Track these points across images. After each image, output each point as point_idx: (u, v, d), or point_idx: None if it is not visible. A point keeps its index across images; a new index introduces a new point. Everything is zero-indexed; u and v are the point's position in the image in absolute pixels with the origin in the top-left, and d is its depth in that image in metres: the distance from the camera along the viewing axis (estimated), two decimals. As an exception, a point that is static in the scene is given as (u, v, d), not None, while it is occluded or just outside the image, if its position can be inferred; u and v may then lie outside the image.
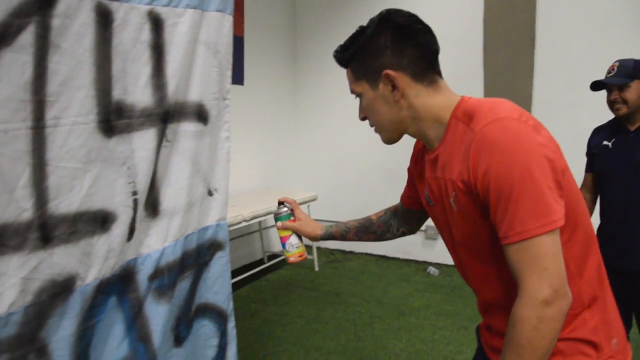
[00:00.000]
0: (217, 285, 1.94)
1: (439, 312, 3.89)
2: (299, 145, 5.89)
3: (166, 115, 1.49)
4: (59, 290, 1.29)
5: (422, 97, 1.15)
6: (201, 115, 1.67)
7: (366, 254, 5.62)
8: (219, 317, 2.00)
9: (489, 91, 4.63)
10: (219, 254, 1.91)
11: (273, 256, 5.31)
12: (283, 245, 1.58)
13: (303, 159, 5.88)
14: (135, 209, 1.44)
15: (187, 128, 1.61)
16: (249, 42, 4.74)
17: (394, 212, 1.61)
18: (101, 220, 1.36)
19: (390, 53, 1.13)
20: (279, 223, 1.58)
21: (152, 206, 1.54)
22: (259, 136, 5.20)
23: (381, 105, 1.19)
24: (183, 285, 1.73)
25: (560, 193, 0.99)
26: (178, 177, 1.63)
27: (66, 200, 1.26)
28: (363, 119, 1.28)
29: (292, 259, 1.58)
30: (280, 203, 1.60)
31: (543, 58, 4.44)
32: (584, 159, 2.68)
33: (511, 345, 0.99)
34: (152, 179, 1.50)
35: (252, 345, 3.28)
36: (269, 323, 3.75)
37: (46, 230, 1.24)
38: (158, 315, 1.59)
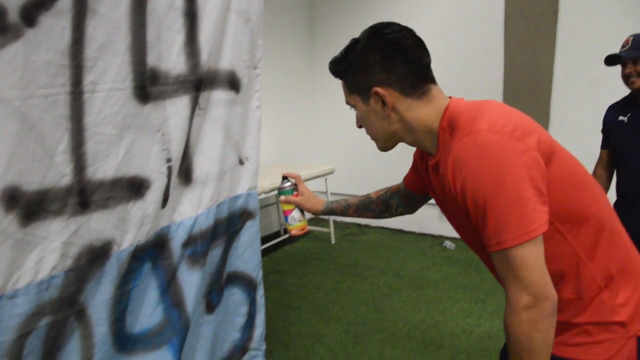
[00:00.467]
0: (247, 254, 1.96)
1: (457, 286, 3.89)
2: (316, 118, 5.87)
3: (199, 82, 1.49)
4: (97, 255, 1.31)
5: (413, 110, 1.17)
6: (233, 83, 1.67)
7: (382, 228, 5.63)
8: (249, 285, 2.02)
9: (509, 67, 4.57)
10: (249, 223, 1.92)
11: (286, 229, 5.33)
12: (286, 218, 1.65)
13: (320, 132, 5.87)
14: (169, 176, 1.45)
15: (219, 96, 1.61)
16: (266, 15, 4.69)
17: (395, 191, 1.64)
18: (136, 187, 1.37)
19: (379, 70, 1.15)
20: (282, 197, 1.64)
21: (185, 174, 1.55)
22: (276, 109, 5.19)
23: (373, 119, 1.23)
24: (215, 253, 1.75)
25: (542, 200, 0.99)
26: (211, 145, 1.63)
27: (103, 166, 1.27)
28: (360, 127, 1.32)
29: (293, 232, 1.65)
30: (284, 178, 1.65)
31: (565, 33, 4.36)
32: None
33: (509, 348, 1.04)
34: (185, 147, 1.50)
35: (272, 315, 3.31)
36: (287, 294, 3.79)
37: (84, 195, 1.25)
38: (191, 282, 1.61)
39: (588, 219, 1.08)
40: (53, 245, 1.20)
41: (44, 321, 1.22)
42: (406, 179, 1.56)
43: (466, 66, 4.79)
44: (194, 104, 1.49)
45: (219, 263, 1.79)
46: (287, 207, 1.63)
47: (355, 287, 3.91)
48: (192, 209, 1.59)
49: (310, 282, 4.04)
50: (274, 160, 5.17)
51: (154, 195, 1.41)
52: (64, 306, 1.27)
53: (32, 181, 1.12)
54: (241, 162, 1.82)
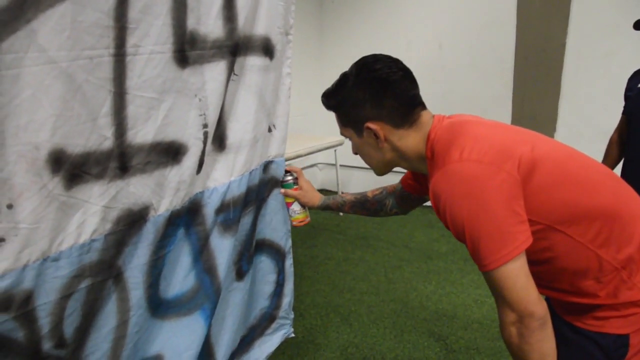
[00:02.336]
0: (275, 222, 1.96)
1: (466, 258, 3.92)
2: (324, 88, 5.83)
3: (235, 47, 1.47)
4: (135, 219, 1.31)
5: (404, 140, 1.24)
6: (268, 49, 1.65)
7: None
8: (277, 253, 2.02)
9: (521, 40, 4.52)
10: (276, 191, 1.92)
11: (298, 200, 5.34)
12: (287, 210, 1.79)
13: (327, 104, 5.84)
14: (205, 142, 1.44)
15: (254, 62, 1.60)
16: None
17: (390, 192, 1.69)
18: (174, 152, 1.36)
19: (369, 106, 1.21)
20: (282, 190, 1.78)
21: (219, 140, 1.54)
22: (285, 79, 5.15)
23: (368, 150, 1.31)
24: (246, 221, 1.75)
25: (518, 220, 1.02)
26: (244, 111, 1.62)
27: (142, 130, 1.27)
28: (355, 153, 1.39)
29: (294, 223, 1.79)
30: (287, 172, 1.77)
31: (579, 5, 4.31)
32: (616, 109, 2.66)
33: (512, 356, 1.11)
34: (219, 113, 1.49)
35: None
36: (299, 264, 3.81)
37: (124, 159, 1.24)
38: (223, 248, 1.61)
39: (591, 215, 1.08)
40: (94, 208, 1.20)
41: (84, 284, 1.23)
42: (405, 181, 1.61)
43: (477, 39, 4.74)
44: (230, 69, 1.48)
45: (249, 230, 1.79)
46: (288, 200, 1.78)
47: (366, 258, 3.93)
48: (225, 176, 1.58)
49: (321, 253, 4.07)
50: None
51: (190, 160, 1.40)
52: (103, 269, 1.27)
53: (77, 144, 1.12)
54: (269, 129, 1.81)
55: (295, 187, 1.75)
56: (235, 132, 1.59)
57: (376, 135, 1.23)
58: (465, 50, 4.83)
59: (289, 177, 1.74)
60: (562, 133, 4.38)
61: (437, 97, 4.95)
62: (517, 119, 4.58)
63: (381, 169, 1.36)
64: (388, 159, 1.29)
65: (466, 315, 3.04)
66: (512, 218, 1.02)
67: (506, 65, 4.56)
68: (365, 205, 1.74)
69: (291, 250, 2.09)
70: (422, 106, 1.26)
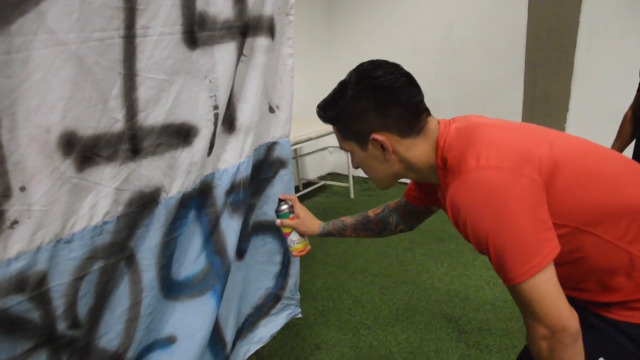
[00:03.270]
0: None
1: (478, 239, 3.92)
2: (334, 72, 5.79)
3: (245, 28, 1.46)
4: (147, 201, 1.32)
5: (413, 149, 1.16)
6: (271, 30, 1.64)
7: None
8: (283, 234, 2.03)
9: (533, 18, 4.46)
10: (282, 172, 1.92)
11: (308, 184, 5.34)
12: (285, 240, 1.65)
13: (337, 87, 5.81)
14: (215, 124, 1.44)
15: (261, 43, 1.58)
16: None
17: (393, 209, 1.60)
18: (184, 134, 1.36)
19: (374, 115, 1.13)
20: (278, 221, 1.62)
21: (229, 121, 1.54)
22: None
23: (373, 163, 1.22)
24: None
25: (544, 227, 0.97)
26: (253, 93, 1.62)
27: (153, 112, 1.26)
28: (357, 167, 1.30)
29: (294, 254, 1.65)
30: (281, 200, 1.63)
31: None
32: (630, 88, 2.63)
33: None
34: (229, 94, 1.49)
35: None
36: (311, 247, 3.82)
37: (135, 141, 1.25)
38: (232, 229, 1.62)
39: (618, 212, 1.03)
40: (106, 190, 1.21)
41: (97, 265, 1.24)
42: (408, 194, 1.52)
43: (488, 19, 4.68)
44: (240, 51, 1.47)
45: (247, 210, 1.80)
46: (285, 230, 1.63)
47: (377, 241, 3.94)
48: (235, 157, 1.58)
49: (332, 235, 4.07)
50: (292, 115, 5.13)
51: (201, 142, 1.40)
52: (116, 251, 1.28)
53: (88, 126, 1.12)
54: (271, 110, 1.80)
55: (291, 216, 1.62)
56: (245, 114, 1.58)
57: (383, 147, 1.15)
58: (475, 30, 4.78)
59: (284, 206, 1.61)
60: (575, 113, 4.33)
61: (448, 79, 4.92)
62: (529, 100, 4.53)
63: (387, 183, 1.27)
64: (395, 171, 1.21)
65: (478, 296, 3.04)
66: (538, 226, 0.96)
67: (518, 46, 4.50)
68: (368, 226, 1.64)
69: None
70: (428, 112, 1.18)
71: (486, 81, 4.72)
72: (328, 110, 1.20)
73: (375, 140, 1.14)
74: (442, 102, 4.91)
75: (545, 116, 4.47)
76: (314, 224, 1.66)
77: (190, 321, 1.57)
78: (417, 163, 1.17)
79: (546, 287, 0.96)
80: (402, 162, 1.19)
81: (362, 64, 1.17)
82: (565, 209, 1.01)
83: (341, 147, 1.27)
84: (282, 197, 1.64)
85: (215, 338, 1.76)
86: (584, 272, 1.09)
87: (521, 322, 2.69)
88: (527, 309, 0.99)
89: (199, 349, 1.59)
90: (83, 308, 1.24)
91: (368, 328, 2.76)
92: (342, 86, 1.17)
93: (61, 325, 1.20)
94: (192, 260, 1.55)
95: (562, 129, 4.38)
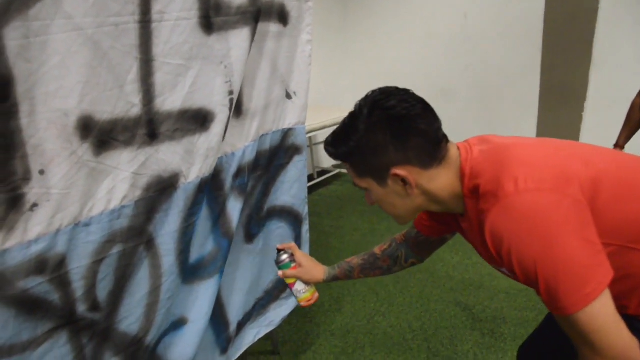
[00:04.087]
0: (294, 189, 1.97)
1: (493, 229, 3.90)
2: (349, 59, 5.77)
3: (258, 14, 1.46)
4: (165, 186, 1.33)
5: (436, 181, 1.07)
6: (282, 16, 1.64)
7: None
8: (295, 220, 2.05)
9: (551, 6, 4.39)
10: (297, 158, 1.93)
11: (323, 172, 5.35)
12: (291, 291, 1.55)
13: (353, 74, 5.78)
14: (230, 109, 1.44)
15: (270, 28, 1.59)
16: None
17: (401, 242, 1.50)
18: (202, 119, 1.37)
19: (393, 149, 1.03)
20: (280, 272, 1.53)
21: (237, 106, 1.55)
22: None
23: (394, 199, 1.12)
24: (253, 184, 1.78)
25: (595, 250, 0.89)
26: (259, 78, 1.63)
27: (171, 97, 1.27)
28: (373, 204, 1.20)
29: (303, 304, 1.55)
30: (280, 250, 1.55)
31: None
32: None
33: None
34: (240, 79, 1.50)
35: (312, 255, 3.38)
36: (326, 235, 3.84)
37: (153, 126, 1.26)
38: (237, 211, 1.65)
39: None
40: (123, 175, 1.22)
41: (116, 249, 1.26)
42: (419, 225, 1.42)
43: (504, 6, 4.63)
44: (253, 36, 1.47)
45: (260, 195, 1.82)
46: (289, 281, 1.54)
47: (392, 230, 3.93)
48: (241, 141, 1.60)
49: (347, 224, 4.08)
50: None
51: (217, 127, 1.41)
52: (134, 235, 1.30)
53: (104, 110, 1.13)
54: (289, 96, 1.81)
55: (293, 265, 1.52)
56: (251, 98, 1.60)
57: (404, 182, 1.06)
58: (491, 18, 4.73)
59: (284, 256, 1.52)
60: (593, 102, 4.28)
61: (462, 67, 4.88)
62: (545, 88, 4.48)
63: (408, 218, 1.18)
64: (417, 204, 1.12)
65: (492, 285, 3.03)
66: (589, 249, 0.88)
67: (534, 33, 4.44)
68: (376, 264, 1.53)
69: (307, 217, 2.11)
70: (447, 138, 1.09)
71: (502, 70, 4.68)
72: (339, 146, 1.10)
73: (396, 175, 1.05)
74: (456, 91, 4.88)
75: (562, 105, 4.42)
76: (319, 271, 1.56)
77: (201, 303, 1.59)
78: (441, 194, 1.09)
79: (605, 316, 0.88)
80: (425, 195, 1.10)
81: (371, 94, 1.07)
82: (609, 228, 0.94)
83: (355, 185, 1.17)
84: (280, 246, 1.55)
85: (218, 318, 1.79)
86: (627, 290, 1.03)
87: (536, 312, 2.68)
88: (584, 340, 0.90)
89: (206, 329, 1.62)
90: (102, 291, 1.26)
91: (382, 315, 2.77)
92: (353, 119, 1.06)
93: (81, 308, 1.22)
94: (201, 243, 1.56)
95: (580, 118, 4.33)
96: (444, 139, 1.07)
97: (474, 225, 1.05)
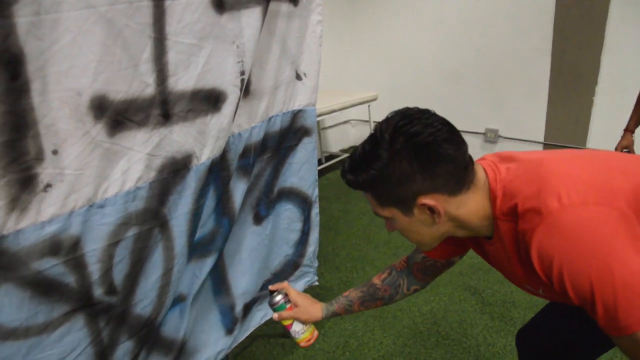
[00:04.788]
0: (303, 171, 1.96)
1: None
2: (358, 43, 5.71)
3: (270, -7, 1.45)
4: (178, 167, 1.32)
5: (465, 206, 1.02)
6: None
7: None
8: (304, 202, 2.04)
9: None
10: (306, 140, 1.92)
11: (330, 157, 5.33)
12: (289, 332, 1.48)
13: (362, 57, 5.72)
14: (241, 89, 1.43)
15: (281, 8, 1.57)
16: None
17: (401, 269, 1.44)
18: (214, 100, 1.35)
19: (420, 178, 0.96)
20: (275, 314, 1.45)
21: (245, 86, 1.53)
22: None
23: (420, 228, 1.06)
24: (264, 166, 1.78)
25: None
26: (268, 58, 1.61)
27: (184, 77, 1.26)
28: (393, 230, 1.14)
29: (302, 344, 1.48)
30: (272, 292, 1.47)
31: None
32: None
33: None
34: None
35: (321, 239, 3.37)
36: (334, 219, 3.83)
37: (166, 107, 1.24)
38: (240, 192, 1.64)
39: None
40: (138, 156, 1.21)
41: (131, 232, 1.25)
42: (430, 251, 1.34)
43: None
44: (265, 16, 1.45)
45: (269, 177, 1.81)
46: (286, 322, 1.46)
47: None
48: (248, 121, 1.59)
49: (355, 208, 4.07)
50: (316, 86, 5.09)
51: (229, 108, 1.40)
52: (149, 218, 1.29)
53: (119, 90, 1.12)
54: (299, 77, 1.79)
55: (288, 306, 1.45)
56: (259, 79, 1.58)
57: (432, 210, 1.00)
58: (502, 2, 4.66)
59: (278, 297, 1.44)
60: (604, 86, 4.23)
61: (473, 50, 4.83)
62: (556, 72, 4.43)
63: (433, 244, 1.13)
64: (444, 231, 1.07)
65: (502, 269, 3.02)
66: None
67: (546, 16, 4.38)
68: (376, 295, 1.45)
69: (317, 200, 2.09)
70: (472, 161, 1.03)
71: (513, 53, 4.62)
72: (359, 174, 1.02)
73: (423, 205, 0.99)
74: (467, 74, 4.83)
75: (573, 89, 4.38)
76: (316, 309, 1.48)
77: (197, 281, 1.59)
78: (470, 219, 1.03)
79: None
80: (453, 221, 1.04)
81: (392, 118, 1.00)
82: None
83: (376, 214, 1.09)
84: (272, 287, 1.48)
85: (224, 298, 1.80)
86: None
87: (546, 296, 2.67)
88: None
89: (199, 305, 1.63)
90: (119, 274, 1.26)
91: (392, 299, 2.76)
92: (374, 145, 0.99)
93: (98, 291, 1.21)
94: (203, 222, 1.55)
95: (590, 102, 4.29)
96: (470, 162, 1.02)
97: (507, 247, 1.02)
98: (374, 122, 5.07)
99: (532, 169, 0.98)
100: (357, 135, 6.13)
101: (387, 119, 1.00)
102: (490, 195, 1.00)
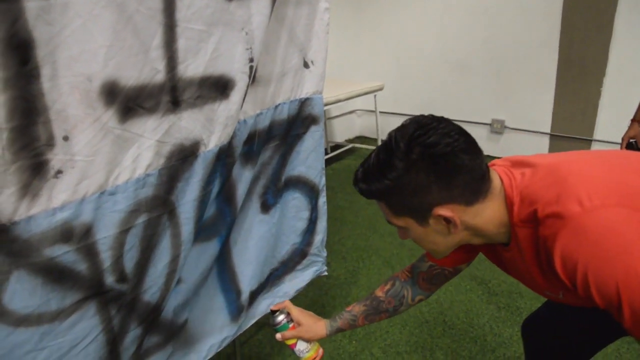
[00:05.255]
0: (310, 159, 1.96)
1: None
2: (364, 33, 5.69)
3: (280, -21, 1.43)
4: (187, 154, 1.32)
5: (481, 215, 1.01)
6: None
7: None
8: (311, 190, 2.03)
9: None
10: (313, 128, 1.91)
11: (336, 146, 5.32)
12: (293, 351, 1.46)
13: (368, 47, 5.70)
14: (250, 77, 1.42)
15: None
16: None
17: (406, 279, 1.43)
18: (222, 87, 1.34)
19: (437, 189, 0.96)
20: (278, 335, 1.44)
21: None
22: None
23: (435, 237, 1.06)
24: (271, 154, 1.77)
25: None
26: (274, 44, 1.60)
27: (193, 64, 1.25)
28: (404, 238, 1.14)
29: None
30: (274, 312, 1.46)
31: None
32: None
33: None
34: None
35: (327, 229, 3.38)
36: (340, 209, 3.83)
37: (176, 93, 1.23)
38: (243, 179, 1.64)
39: None
40: (148, 143, 1.21)
41: (141, 219, 1.25)
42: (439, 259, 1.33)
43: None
44: (274, 2, 1.44)
45: (277, 165, 1.81)
46: (290, 342, 1.44)
47: (406, 204, 3.92)
48: (254, 108, 1.58)
49: (361, 198, 4.02)
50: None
51: (237, 95, 1.39)
52: (158, 205, 1.29)
53: (130, 76, 1.11)
54: (306, 65, 1.78)
55: (291, 325, 1.43)
56: (265, 65, 1.57)
57: (448, 221, 1.00)
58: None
59: (280, 317, 1.43)
60: (612, 78, 4.20)
61: (480, 41, 4.80)
62: (563, 63, 4.41)
63: (447, 253, 1.14)
64: (459, 240, 1.07)
65: (509, 260, 3.01)
66: None
67: (554, 6, 4.35)
68: (380, 308, 1.43)
69: (325, 189, 2.09)
70: (488, 169, 1.02)
71: (520, 43, 4.59)
72: (372, 183, 1.01)
73: (439, 215, 0.99)
74: (474, 65, 4.80)
75: (580, 80, 4.35)
76: (320, 327, 1.45)
77: (194, 263, 1.58)
78: (487, 227, 1.03)
79: None
80: (469, 230, 1.04)
81: (407, 127, 0.98)
82: None
83: (389, 222, 1.09)
84: (274, 307, 1.46)
85: (228, 285, 1.79)
86: None
87: (553, 286, 2.67)
88: None
89: (195, 289, 1.63)
90: (129, 262, 1.26)
91: (398, 289, 2.77)
92: (388, 154, 0.98)
93: (109, 279, 1.21)
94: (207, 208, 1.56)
95: (598, 93, 4.27)
96: (487, 171, 1.01)
97: (525, 254, 1.01)
98: (380, 112, 5.06)
99: (549, 173, 0.97)
100: (363, 125, 6.12)
101: (401, 128, 0.99)
102: (507, 202, 1.00)
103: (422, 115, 1.01)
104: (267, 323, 2.46)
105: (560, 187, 0.91)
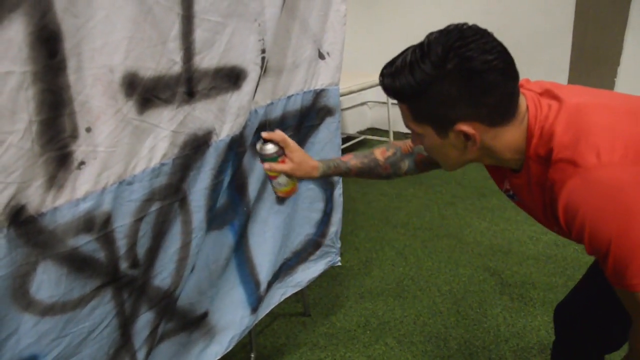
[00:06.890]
0: (325, 151, 1.97)
1: (521, 195, 3.87)
2: (376, 23, 5.66)
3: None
4: (199, 144, 1.34)
5: (500, 138, 0.99)
6: None
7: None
8: (326, 182, 2.05)
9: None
10: (329, 119, 1.92)
11: (348, 138, 5.32)
12: (270, 181, 1.41)
13: (380, 39, 5.67)
14: (262, 67, 1.43)
15: None
16: None
17: (407, 152, 1.42)
18: (235, 77, 1.37)
19: (465, 105, 0.93)
20: (266, 165, 1.34)
21: None
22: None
23: (450, 151, 1.03)
24: None
25: None
26: (285, 35, 1.61)
27: (208, 55, 1.27)
28: (416, 145, 1.13)
29: (282, 195, 1.43)
30: (265, 140, 1.33)
31: None
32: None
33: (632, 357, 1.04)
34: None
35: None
36: (353, 200, 3.84)
37: (191, 84, 1.26)
38: (254, 168, 1.66)
39: None
40: (164, 133, 1.23)
41: (154, 207, 1.28)
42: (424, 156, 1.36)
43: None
44: (286, -7, 1.45)
45: None
46: (272, 173, 1.37)
47: (418, 195, 3.92)
48: (265, 98, 1.60)
49: (373, 189, 4.08)
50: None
51: (249, 86, 1.41)
52: (171, 193, 1.31)
53: (148, 67, 1.13)
54: (321, 57, 1.79)
55: (281, 159, 1.34)
56: (275, 55, 1.58)
57: (467, 137, 0.97)
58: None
59: (270, 150, 1.32)
60: (626, 68, 4.16)
61: (493, 29, 4.73)
62: (577, 53, 4.37)
63: (457, 167, 1.12)
64: (472, 158, 1.05)
65: (521, 251, 3.02)
66: None
67: (569, -7, 4.31)
68: (375, 171, 1.43)
69: (340, 181, 2.10)
70: (519, 93, 0.99)
71: (533, 32, 4.56)
72: (399, 79, 0.95)
73: (461, 131, 0.96)
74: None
75: (594, 70, 4.32)
76: (313, 167, 1.40)
77: (206, 250, 1.60)
78: (503, 151, 1.01)
79: None
80: (484, 150, 1.01)
81: (447, 33, 0.93)
82: None
83: (407, 127, 1.05)
84: (266, 135, 1.33)
85: (249, 277, 1.82)
86: None
87: (565, 277, 2.67)
88: None
89: (210, 278, 1.66)
90: (141, 248, 1.29)
91: (411, 279, 2.78)
92: (422, 56, 0.92)
93: (123, 265, 1.24)
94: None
95: (612, 84, 4.23)
96: (518, 95, 0.99)
97: (532, 186, 1.02)
98: (391, 103, 5.05)
99: (575, 114, 0.95)
100: (374, 117, 6.10)
101: (442, 33, 0.93)
102: (527, 133, 0.99)
103: (465, 24, 0.95)
104: (282, 313, 2.49)
105: (582, 134, 0.90)
